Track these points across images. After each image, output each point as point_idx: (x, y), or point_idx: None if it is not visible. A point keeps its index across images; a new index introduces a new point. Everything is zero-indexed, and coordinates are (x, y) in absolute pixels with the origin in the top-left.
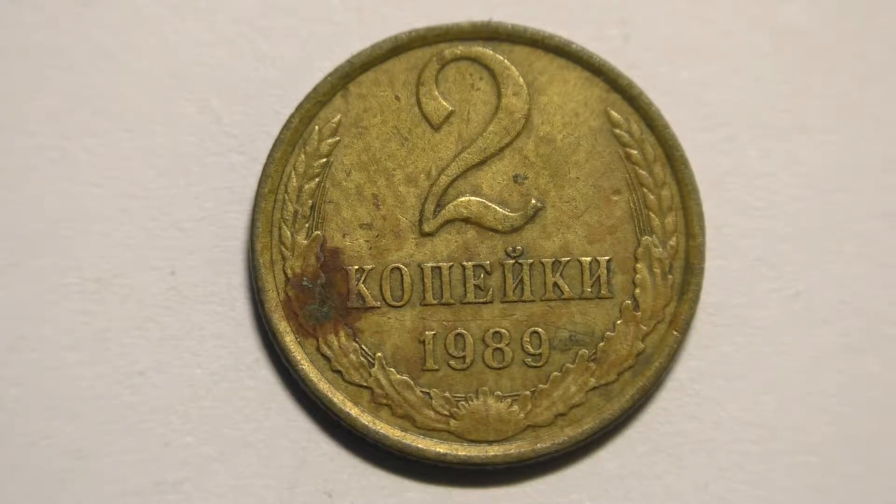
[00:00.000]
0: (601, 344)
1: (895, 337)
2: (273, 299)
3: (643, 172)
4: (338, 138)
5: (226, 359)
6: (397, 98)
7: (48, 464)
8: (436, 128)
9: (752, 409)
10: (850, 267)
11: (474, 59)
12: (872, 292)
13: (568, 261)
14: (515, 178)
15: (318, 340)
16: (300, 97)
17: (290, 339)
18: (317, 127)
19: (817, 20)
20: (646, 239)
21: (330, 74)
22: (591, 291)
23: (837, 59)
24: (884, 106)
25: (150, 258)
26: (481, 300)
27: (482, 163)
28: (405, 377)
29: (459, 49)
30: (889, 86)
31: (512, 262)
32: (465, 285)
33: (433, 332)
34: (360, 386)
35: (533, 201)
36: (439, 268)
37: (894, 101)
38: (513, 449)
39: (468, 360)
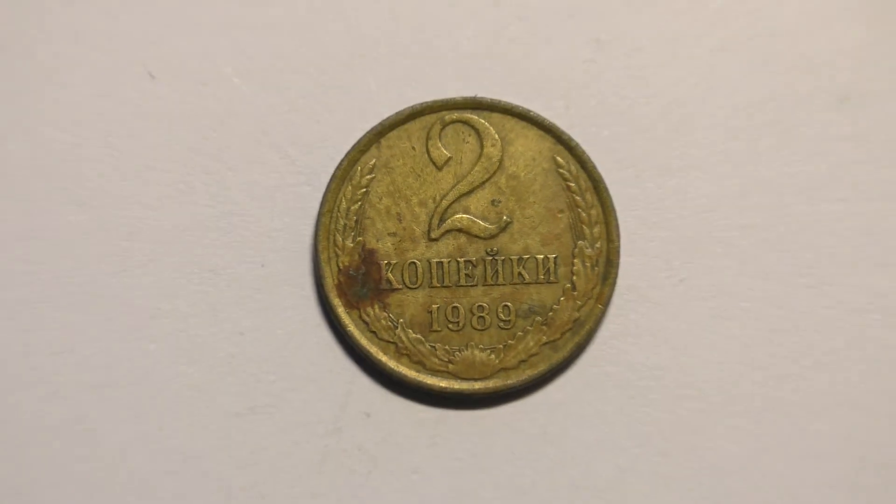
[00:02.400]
0: (550, 313)
1: (746, 309)
2: (329, 283)
3: (578, 198)
4: (373, 175)
5: (298, 324)
6: (413, 148)
7: (177, 396)
8: (439, 168)
9: (652, 356)
10: (719, 261)
11: (465, 122)
12: (736, 280)
13: (528, 257)
14: (493, 202)
15: (360, 311)
16: (348, 147)
17: (341, 311)
18: (359, 168)
19: (697, 92)
20: (580, 243)
21: (368, 132)
22: (544, 278)
23: (712, 123)
24: (745, 159)
25: (247, 255)
26: (470, 284)
27: (470, 192)
28: (418, 335)
29: (455, 115)
30: (758, 143)
31: (490, 258)
32: (458, 274)
33: (437, 306)
34: (388, 342)
35: (504, 217)
36: (442, 262)
37: (759, 155)
38: (490, 384)
39: (461, 325)
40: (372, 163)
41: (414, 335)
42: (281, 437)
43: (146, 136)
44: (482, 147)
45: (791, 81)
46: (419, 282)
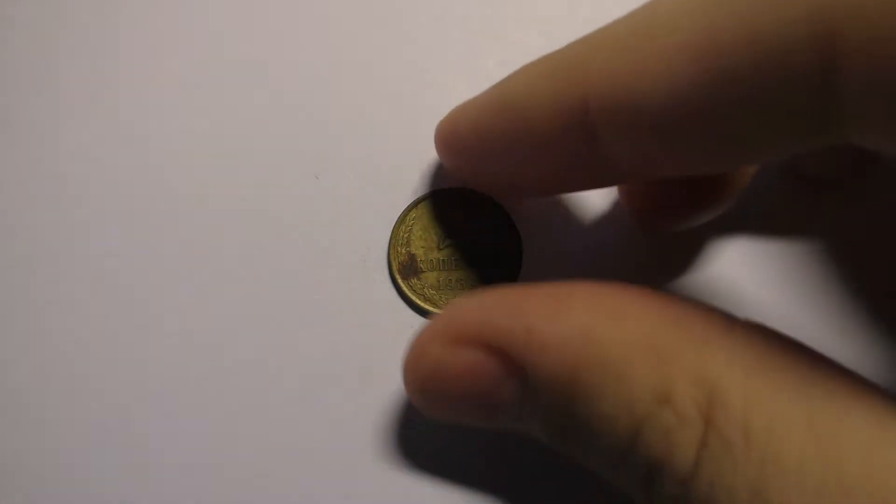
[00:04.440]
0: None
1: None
2: (395, 268)
3: None
4: (413, 221)
5: (380, 286)
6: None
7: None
8: None
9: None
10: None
11: None
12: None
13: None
14: None
15: (408, 281)
16: (402, 209)
17: (400, 280)
18: (407, 218)
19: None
20: None
21: (411, 202)
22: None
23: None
24: None
25: (358, 255)
26: (454, 269)
27: None
28: (433, 290)
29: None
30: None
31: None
32: (450, 264)
33: (441, 279)
34: (420, 294)
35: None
36: (443, 259)
37: None
38: None
39: (451, 287)
40: (413, 216)
41: (432, 290)
42: (378, 331)
43: (319, 215)
44: None
45: None
46: (433, 268)
